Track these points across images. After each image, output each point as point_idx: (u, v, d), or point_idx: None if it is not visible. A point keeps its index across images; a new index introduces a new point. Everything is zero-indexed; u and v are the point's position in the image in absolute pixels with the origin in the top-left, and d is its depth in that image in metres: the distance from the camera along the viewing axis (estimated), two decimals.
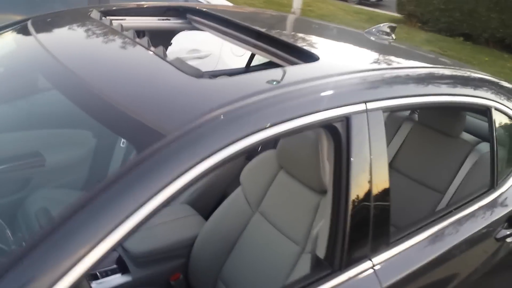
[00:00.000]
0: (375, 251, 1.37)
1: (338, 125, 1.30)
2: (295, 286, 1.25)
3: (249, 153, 1.74)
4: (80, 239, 0.90)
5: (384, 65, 1.67)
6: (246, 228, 1.86)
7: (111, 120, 1.16)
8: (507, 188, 1.81)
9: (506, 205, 1.78)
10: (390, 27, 2.34)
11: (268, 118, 1.17)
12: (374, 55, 1.89)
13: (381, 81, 1.45)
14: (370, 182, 1.34)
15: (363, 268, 1.33)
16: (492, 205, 1.75)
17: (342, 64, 1.55)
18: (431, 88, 1.58)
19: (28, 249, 0.88)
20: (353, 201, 1.31)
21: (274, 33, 1.77)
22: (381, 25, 2.34)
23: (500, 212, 1.75)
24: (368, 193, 1.34)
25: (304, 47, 1.60)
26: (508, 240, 1.76)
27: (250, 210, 1.88)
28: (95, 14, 1.78)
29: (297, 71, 1.42)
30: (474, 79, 1.81)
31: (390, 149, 2.43)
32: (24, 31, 1.68)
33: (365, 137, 1.34)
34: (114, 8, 1.98)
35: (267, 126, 1.15)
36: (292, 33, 2.08)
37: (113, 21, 1.71)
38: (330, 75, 1.37)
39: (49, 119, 2.34)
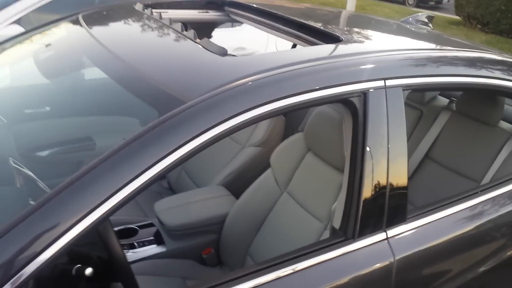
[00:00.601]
0: (391, 224, 1.40)
1: (356, 100, 1.35)
2: (308, 249, 1.31)
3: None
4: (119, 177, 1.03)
5: (407, 47, 1.70)
6: (274, 207, 1.94)
7: (151, 95, 1.27)
8: None
9: None
10: (428, 17, 2.34)
11: (285, 90, 1.24)
12: (400, 38, 1.92)
13: (402, 60, 1.49)
14: (387, 157, 1.38)
15: (377, 239, 1.37)
16: None
17: (364, 45, 1.60)
18: (457, 69, 1.60)
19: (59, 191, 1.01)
20: (368, 174, 1.36)
21: (303, 19, 1.84)
22: (419, 14, 2.34)
23: None
24: (384, 168, 1.38)
25: (330, 31, 1.66)
26: None
27: (279, 190, 1.96)
28: (139, 6, 1.93)
29: (319, 50, 1.49)
30: (506, 62, 1.79)
31: (427, 139, 2.42)
32: (76, 23, 1.86)
33: (383, 113, 1.38)
34: (156, 2, 2.13)
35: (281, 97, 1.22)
36: (323, 20, 2.14)
37: (154, 13, 1.85)
38: (350, 54, 1.43)
39: (100, 106, 2.52)
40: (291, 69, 1.29)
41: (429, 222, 1.49)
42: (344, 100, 1.36)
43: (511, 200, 1.67)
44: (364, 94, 1.36)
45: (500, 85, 1.69)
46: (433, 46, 1.84)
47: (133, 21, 1.80)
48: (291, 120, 2.65)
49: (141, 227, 2.07)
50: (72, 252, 1.31)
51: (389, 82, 1.40)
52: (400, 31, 2.03)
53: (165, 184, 2.66)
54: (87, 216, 0.99)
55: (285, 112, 1.27)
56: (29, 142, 2.32)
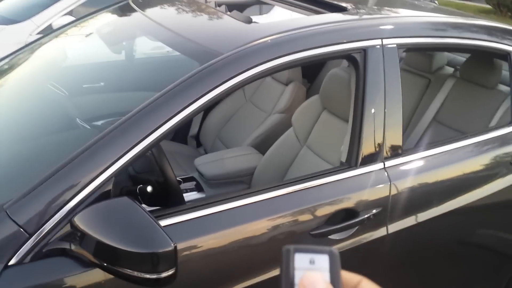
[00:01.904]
0: (388, 157, 1.71)
1: (357, 56, 1.68)
2: (320, 173, 1.64)
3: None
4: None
5: (403, 13, 2.00)
6: (295, 159, 2.28)
7: (192, 51, 1.62)
8: None
9: None
10: None
11: (299, 45, 1.58)
12: (399, 8, 2.21)
13: (398, 23, 1.80)
14: (383, 102, 1.69)
15: (376, 168, 1.69)
16: (509, 136, 2.00)
17: (365, 12, 1.92)
18: (448, 32, 1.89)
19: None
20: (367, 116, 1.68)
21: None
22: None
23: None
24: (382, 111, 1.69)
25: (338, 4, 1.98)
26: None
27: (299, 145, 2.29)
28: None
29: (327, 17, 1.82)
30: (494, 27, 2.07)
31: (435, 104, 2.69)
32: (127, 7, 2.24)
33: (381, 67, 1.70)
34: None
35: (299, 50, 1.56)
36: None
37: None
38: (352, 19, 1.76)
39: (146, 82, 2.89)
40: (304, 30, 1.63)
41: (421, 158, 1.79)
42: (348, 56, 1.68)
43: (492, 144, 1.95)
44: (364, 51, 1.68)
45: (487, 46, 1.98)
46: (427, 13, 2.13)
47: (175, 2, 2.17)
48: (311, 89, 2.97)
49: (184, 180, 2.44)
50: (135, 178, 1.69)
51: (386, 41, 1.72)
52: (401, 3, 2.33)
53: (202, 151, 3.03)
54: (148, 136, 1.34)
55: (300, 64, 1.61)
56: (86, 113, 2.72)
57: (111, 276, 1.20)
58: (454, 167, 1.84)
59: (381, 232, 1.67)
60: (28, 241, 1.20)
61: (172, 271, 1.15)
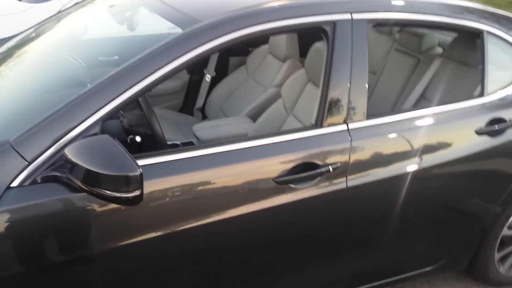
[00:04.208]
0: (351, 120, 1.90)
1: (328, 29, 1.87)
2: (284, 132, 1.86)
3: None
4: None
5: None
6: (282, 126, 2.49)
7: (185, 22, 1.84)
8: (493, 98, 2.18)
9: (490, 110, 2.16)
10: None
11: (272, 16, 1.79)
12: None
13: None
14: (350, 71, 1.88)
15: (339, 129, 1.88)
16: (476, 107, 2.15)
17: None
18: (418, 8, 2.05)
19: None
20: (334, 83, 1.87)
21: None
22: None
23: (482, 114, 2.14)
24: (347, 79, 1.88)
25: None
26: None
27: (286, 113, 2.51)
28: None
29: None
30: (469, 7, 2.21)
31: (422, 82, 2.83)
32: None
33: (349, 39, 1.88)
34: None
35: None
36: None
37: None
38: None
39: None
40: (280, 3, 1.84)
41: (384, 123, 1.97)
42: (318, 28, 1.88)
43: (458, 114, 2.11)
44: (334, 23, 1.87)
45: (459, 24, 2.13)
46: None
47: None
48: None
49: (183, 144, 2.69)
50: (128, 130, 1.95)
51: (355, 16, 1.90)
52: None
53: None
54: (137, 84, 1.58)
55: (274, 33, 1.81)
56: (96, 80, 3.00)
57: (94, 200, 1.47)
58: (416, 132, 2.01)
59: (340, 185, 1.87)
60: (28, 168, 1.46)
61: (138, 192, 1.40)
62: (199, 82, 3.32)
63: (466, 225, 2.27)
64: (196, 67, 3.32)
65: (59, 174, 1.48)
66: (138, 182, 1.39)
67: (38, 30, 2.51)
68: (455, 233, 2.28)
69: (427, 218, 2.15)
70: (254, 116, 2.87)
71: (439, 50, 2.92)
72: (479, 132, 2.11)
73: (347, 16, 1.89)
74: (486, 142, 2.12)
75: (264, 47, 3.26)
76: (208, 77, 3.29)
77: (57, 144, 1.49)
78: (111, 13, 2.50)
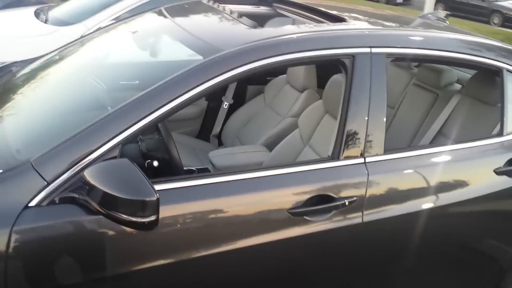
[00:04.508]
0: (369, 154, 1.89)
1: (347, 61, 1.89)
2: (300, 163, 1.85)
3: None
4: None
5: (396, 26, 2.19)
6: (298, 157, 2.49)
7: (202, 49, 1.88)
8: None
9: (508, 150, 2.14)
10: (446, 15, 2.79)
11: (294, 47, 1.81)
12: (394, 22, 2.39)
13: (387, 35, 2.00)
14: (368, 104, 1.88)
15: (356, 162, 1.87)
16: (494, 146, 2.13)
17: (361, 24, 2.13)
18: (437, 45, 2.06)
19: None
20: (352, 115, 1.87)
21: (329, 10, 2.39)
22: (439, 11, 2.80)
23: (501, 153, 2.12)
24: (365, 112, 1.88)
25: (341, 16, 2.20)
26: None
27: (302, 144, 2.51)
28: (209, 2, 2.59)
29: (324, 26, 2.05)
30: (488, 44, 2.21)
31: (441, 118, 2.82)
32: (160, 13, 2.55)
33: (368, 73, 1.90)
34: None
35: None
36: (348, 11, 2.67)
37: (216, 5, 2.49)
38: (345, 28, 1.97)
39: None
40: (301, 34, 1.87)
41: (402, 157, 1.96)
42: (338, 61, 1.89)
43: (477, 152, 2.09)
44: (353, 57, 1.89)
45: (478, 61, 2.14)
46: (416, 27, 2.31)
47: (198, 10, 2.46)
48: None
49: (199, 170, 2.70)
50: (146, 155, 1.96)
51: (375, 50, 1.92)
52: (399, 19, 2.51)
53: None
54: (155, 112, 1.61)
55: (294, 64, 1.83)
56: (116, 103, 3.05)
57: (109, 224, 1.47)
58: (433, 169, 1.99)
59: (356, 220, 1.85)
60: (46, 188, 1.48)
61: (154, 217, 1.40)
62: (216, 109, 3.35)
63: (483, 266, 2.22)
64: (214, 94, 3.36)
65: (76, 196, 1.48)
66: (155, 207, 1.39)
67: (62, 52, 2.57)
68: (472, 274, 2.22)
69: (442, 258, 2.10)
70: (270, 145, 2.88)
71: (458, 86, 2.92)
72: (498, 172, 2.09)
73: (366, 50, 1.91)
74: (505, 182, 2.09)
75: (282, 77, 3.29)
76: (225, 105, 3.33)
77: (77, 166, 1.51)
78: (133, 38, 2.56)
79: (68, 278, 1.51)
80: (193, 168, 2.70)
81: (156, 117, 1.62)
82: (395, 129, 3.06)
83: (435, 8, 17.60)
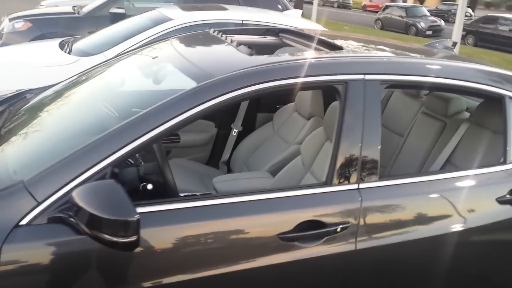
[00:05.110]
0: (362, 180, 1.88)
1: (340, 88, 1.90)
2: (300, 188, 1.85)
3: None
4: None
5: (392, 54, 2.20)
6: (300, 183, 2.48)
7: (200, 76, 1.92)
8: None
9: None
10: (453, 43, 2.78)
11: (288, 73, 1.84)
12: (392, 50, 2.40)
13: (381, 62, 2.00)
14: (361, 130, 1.88)
15: (349, 188, 1.86)
16: (497, 175, 2.07)
17: (356, 52, 2.15)
18: (437, 72, 2.06)
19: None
20: (345, 141, 1.87)
21: (331, 39, 2.43)
22: (447, 40, 2.79)
23: (504, 182, 2.06)
24: (358, 138, 1.88)
25: (339, 44, 2.23)
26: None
27: (304, 170, 2.50)
28: (212, 31, 2.67)
29: (319, 53, 2.08)
30: (489, 71, 2.19)
31: (449, 146, 2.77)
32: (167, 43, 2.64)
33: (361, 98, 1.90)
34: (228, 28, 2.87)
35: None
36: (350, 39, 2.70)
37: (223, 35, 2.57)
38: (340, 56, 1.99)
39: None
40: (294, 61, 1.90)
41: (398, 184, 1.93)
42: (331, 87, 1.91)
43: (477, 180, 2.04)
44: (346, 83, 1.90)
45: (479, 89, 2.11)
46: (413, 55, 2.31)
47: (202, 39, 2.54)
48: None
49: (202, 195, 2.72)
50: (142, 178, 2.00)
51: (368, 77, 1.93)
52: (399, 48, 2.52)
53: None
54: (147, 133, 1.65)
55: (287, 89, 1.86)
56: None
57: (96, 244, 1.50)
58: (430, 197, 1.95)
59: (349, 247, 1.82)
60: (37, 208, 1.53)
61: (135, 238, 1.42)
62: (226, 136, 3.40)
63: None
64: (224, 122, 3.41)
65: (65, 216, 1.53)
66: (135, 227, 1.42)
67: (72, 81, 2.68)
68: None
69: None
70: (274, 172, 2.88)
71: (467, 115, 2.87)
72: (500, 201, 2.03)
73: (359, 76, 1.92)
74: (507, 211, 2.03)
75: (291, 105, 3.32)
76: (234, 132, 3.37)
77: (67, 187, 1.56)
78: (139, 67, 2.66)
79: None
80: (197, 194, 2.73)
81: (146, 140, 1.66)
82: (405, 157, 3.03)
83: (465, 39, 17.54)
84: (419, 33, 19.87)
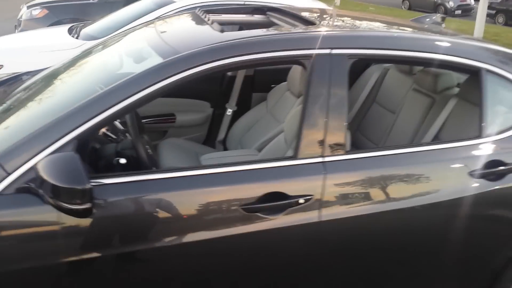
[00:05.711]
0: (328, 154, 1.90)
1: (306, 62, 1.92)
2: (267, 161, 1.91)
3: None
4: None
5: (362, 28, 2.18)
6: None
7: (168, 53, 1.98)
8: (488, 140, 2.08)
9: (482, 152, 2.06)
10: (442, 17, 2.74)
11: (254, 48, 1.88)
12: (366, 24, 2.38)
13: (351, 35, 2.00)
14: (326, 106, 1.90)
15: (313, 161, 1.89)
16: (469, 148, 2.05)
17: (327, 27, 2.15)
18: (407, 45, 2.04)
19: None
20: (310, 115, 1.89)
21: (310, 15, 2.43)
22: (435, 16, 2.75)
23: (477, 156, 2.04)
24: (323, 113, 1.89)
25: (314, 20, 2.23)
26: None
27: (286, 147, 2.53)
28: (200, 12, 2.71)
29: (290, 29, 2.09)
30: (468, 44, 2.15)
31: (438, 122, 2.75)
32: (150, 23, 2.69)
33: (327, 73, 1.92)
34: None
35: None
36: (330, 17, 2.69)
37: (208, 15, 2.60)
38: (308, 31, 2.01)
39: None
40: (261, 37, 1.93)
41: (364, 157, 1.95)
42: (297, 61, 1.93)
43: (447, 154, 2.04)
44: (312, 57, 1.92)
45: (455, 62, 2.09)
46: (386, 28, 2.29)
47: (184, 19, 2.58)
48: None
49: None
50: (118, 153, 2.09)
51: (335, 51, 1.94)
52: (376, 21, 2.49)
53: None
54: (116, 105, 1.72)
55: (255, 65, 1.90)
56: None
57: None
58: (397, 171, 1.96)
59: (312, 218, 1.85)
60: (7, 178, 1.63)
61: (89, 205, 1.51)
62: (221, 115, 3.45)
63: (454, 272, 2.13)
64: (219, 102, 3.47)
65: (32, 186, 1.62)
66: (88, 196, 1.50)
67: (64, 63, 2.77)
68: (452, 280, 2.14)
69: (405, 263, 2.04)
70: (263, 150, 2.92)
71: (457, 90, 2.83)
72: (473, 175, 2.01)
73: (326, 51, 1.93)
74: (479, 185, 2.01)
75: (284, 84, 3.33)
76: (229, 111, 3.42)
77: (34, 159, 1.65)
78: (123, 48, 2.71)
79: (22, 263, 1.64)
80: None
81: (110, 115, 1.73)
82: (396, 135, 3.02)
83: (496, 18, 16.92)
84: (448, 12, 19.22)
